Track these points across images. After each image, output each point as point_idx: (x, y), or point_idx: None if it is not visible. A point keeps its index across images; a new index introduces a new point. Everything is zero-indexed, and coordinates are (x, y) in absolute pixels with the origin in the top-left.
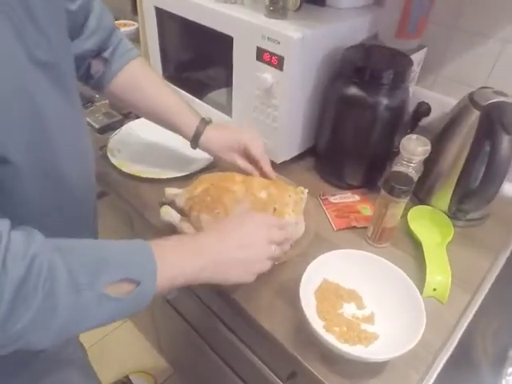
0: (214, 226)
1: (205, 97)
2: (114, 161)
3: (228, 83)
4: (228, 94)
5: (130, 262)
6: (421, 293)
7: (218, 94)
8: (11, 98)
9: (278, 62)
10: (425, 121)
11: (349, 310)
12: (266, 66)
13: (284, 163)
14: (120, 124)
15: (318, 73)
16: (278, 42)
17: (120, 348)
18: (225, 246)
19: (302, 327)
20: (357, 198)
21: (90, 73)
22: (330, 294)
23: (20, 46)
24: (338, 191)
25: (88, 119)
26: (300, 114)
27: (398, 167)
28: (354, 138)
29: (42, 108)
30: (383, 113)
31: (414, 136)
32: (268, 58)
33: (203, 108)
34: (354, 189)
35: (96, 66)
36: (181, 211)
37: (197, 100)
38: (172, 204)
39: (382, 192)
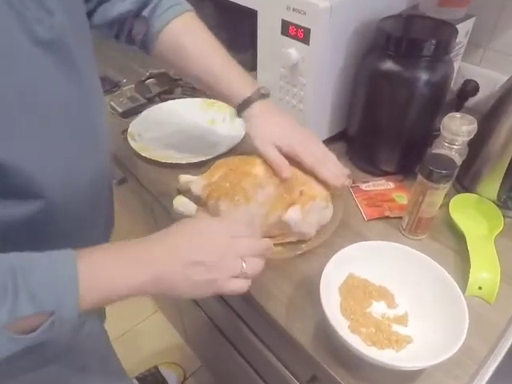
0: (168, 231)
1: None
2: (133, 145)
3: (253, 65)
4: (253, 75)
5: (42, 288)
6: (463, 291)
7: None
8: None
9: (303, 36)
10: (471, 101)
11: (378, 308)
12: (292, 40)
13: None
14: (144, 108)
15: (349, 47)
16: (304, 13)
17: (150, 338)
18: (171, 260)
19: (323, 327)
20: (391, 185)
21: (132, 35)
22: (357, 291)
23: (16, 21)
24: (371, 178)
25: (112, 103)
26: (329, 94)
27: (439, 150)
28: (390, 119)
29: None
30: (422, 89)
31: (457, 114)
32: (293, 31)
33: None
34: (388, 175)
35: (138, 27)
36: (198, 200)
37: None
38: (188, 193)
39: (419, 177)
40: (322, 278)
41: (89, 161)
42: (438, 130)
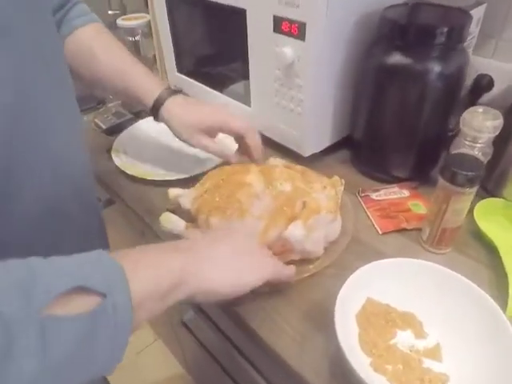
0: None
1: (222, 88)
2: (118, 162)
3: (245, 73)
4: (245, 84)
5: (82, 268)
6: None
7: (236, 85)
8: None
9: (298, 31)
10: (485, 97)
11: (404, 340)
12: (286, 37)
13: (313, 157)
14: (130, 124)
15: (350, 41)
16: (297, 6)
17: (150, 369)
18: (215, 246)
19: (340, 364)
20: (405, 193)
21: None
22: (378, 319)
23: None
24: (382, 186)
25: (96, 120)
26: (329, 95)
27: (459, 150)
28: (400, 119)
29: None
30: (435, 83)
31: (479, 108)
32: (287, 27)
33: (219, 100)
34: (401, 182)
35: None
36: (188, 215)
37: (213, 91)
38: (179, 209)
39: (441, 181)
40: (336, 305)
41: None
42: (452, 130)
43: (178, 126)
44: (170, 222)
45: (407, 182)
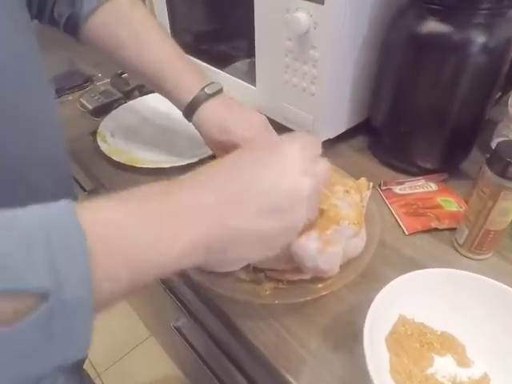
0: (215, 168)
1: (223, 66)
2: (103, 147)
3: (250, 45)
4: (250, 53)
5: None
6: None
7: (240, 63)
8: None
9: None
10: None
11: (444, 368)
12: (300, 0)
13: (327, 143)
14: (119, 104)
15: (376, 6)
16: None
17: (142, 368)
18: (238, 212)
19: None
20: (433, 186)
21: (55, 15)
22: (412, 341)
23: None
24: (406, 178)
25: (82, 100)
26: (348, 72)
27: (504, 137)
28: (430, 101)
29: None
30: (477, 57)
31: None
32: None
33: (219, 77)
34: (427, 174)
35: (60, 7)
36: None
37: (213, 69)
38: None
39: (488, 174)
40: (365, 325)
41: None
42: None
43: (204, 131)
44: None
45: (434, 175)
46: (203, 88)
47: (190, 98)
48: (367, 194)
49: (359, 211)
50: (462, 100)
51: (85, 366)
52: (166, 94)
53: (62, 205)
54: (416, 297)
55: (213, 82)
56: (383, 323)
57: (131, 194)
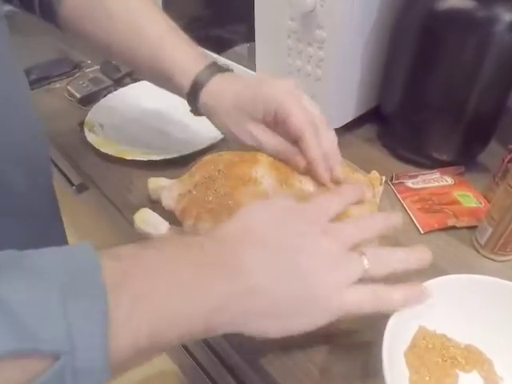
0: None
1: (220, 50)
2: (91, 138)
3: (249, 28)
4: (249, 36)
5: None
6: None
7: (239, 47)
8: None
9: None
10: None
11: None
12: None
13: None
14: (109, 92)
15: None
16: None
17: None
18: (273, 260)
19: None
20: (449, 180)
21: None
22: (433, 356)
23: None
24: (419, 171)
25: (69, 87)
26: (359, 54)
27: None
28: (449, 86)
29: None
30: (503, 37)
31: None
32: None
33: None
34: (442, 166)
35: None
36: (172, 216)
37: (209, 53)
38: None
39: None
40: (384, 340)
41: None
42: None
43: (217, 110)
44: (148, 222)
45: (450, 167)
46: (211, 64)
47: (194, 73)
48: (380, 189)
49: (372, 210)
50: (485, 85)
51: None
52: (164, 76)
53: (86, 252)
54: (437, 306)
55: (215, 62)
56: (402, 336)
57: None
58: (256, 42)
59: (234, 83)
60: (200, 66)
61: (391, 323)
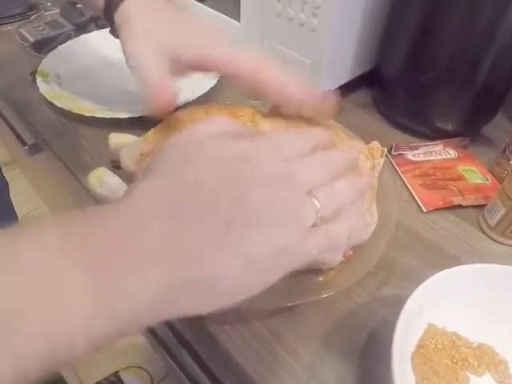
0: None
1: None
2: (44, 90)
3: None
4: None
5: None
6: None
7: None
8: None
9: None
10: None
11: None
12: None
13: None
14: (69, 38)
15: None
16: None
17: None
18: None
19: None
20: (452, 153)
21: None
22: (442, 357)
23: None
24: (421, 142)
25: (22, 30)
26: (359, 4)
27: None
28: (460, 45)
29: None
30: None
31: None
32: None
33: (197, 11)
34: (444, 138)
35: None
36: (132, 178)
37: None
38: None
39: None
40: (394, 342)
41: None
42: None
43: (137, 45)
44: (105, 184)
45: (454, 139)
46: None
47: None
48: (380, 161)
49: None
50: (502, 44)
51: None
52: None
53: None
54: (448, 300)
55: None
56: (409, 336)
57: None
58: None
59: (154, 11)
60: None
61: (401, 322)
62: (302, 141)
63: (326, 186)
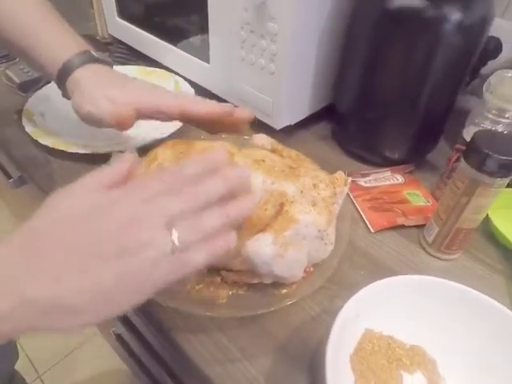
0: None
1: (175, 41)
2: (29, 129)
3: (203, 17)
4: (203, 26)
5: None
6: None
7: (193, 38)
8: None
9: None
10: (490, 65)
11: None
12: None
13: (287, 130)
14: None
15: None
16: None
17: (88, 365)
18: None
19: None
20: (399, 178)
21: None
22: (379, 358)
23: None
24: (371, 169)
25: (8, 72)
26: (312, 49)
27: (476, 127)
28: (400, 84)
29: None
30: (451, 37)
31: (509, 72)
32: None
33: (170, 53)
34: (393, 165)
35: None
36: None
37: (163, 43)
38: None
39: (463, 167)
40: (328, 345)
41: None
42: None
43: (89, 95)
44: None
45: (401, 166)
46: (85, 52)
47: (58, 67)
48: (344, 189)
49: (325, 208)
50: (434, 83)
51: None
52: (38, 60)
53: None
54: (383, 308)
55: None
56: (348, 339)
57: None
58: (209, 32)
59: (105, 77)
60: (68, 55)
61: (336, 327)
62: (181, 173)
63: (191, 216)
